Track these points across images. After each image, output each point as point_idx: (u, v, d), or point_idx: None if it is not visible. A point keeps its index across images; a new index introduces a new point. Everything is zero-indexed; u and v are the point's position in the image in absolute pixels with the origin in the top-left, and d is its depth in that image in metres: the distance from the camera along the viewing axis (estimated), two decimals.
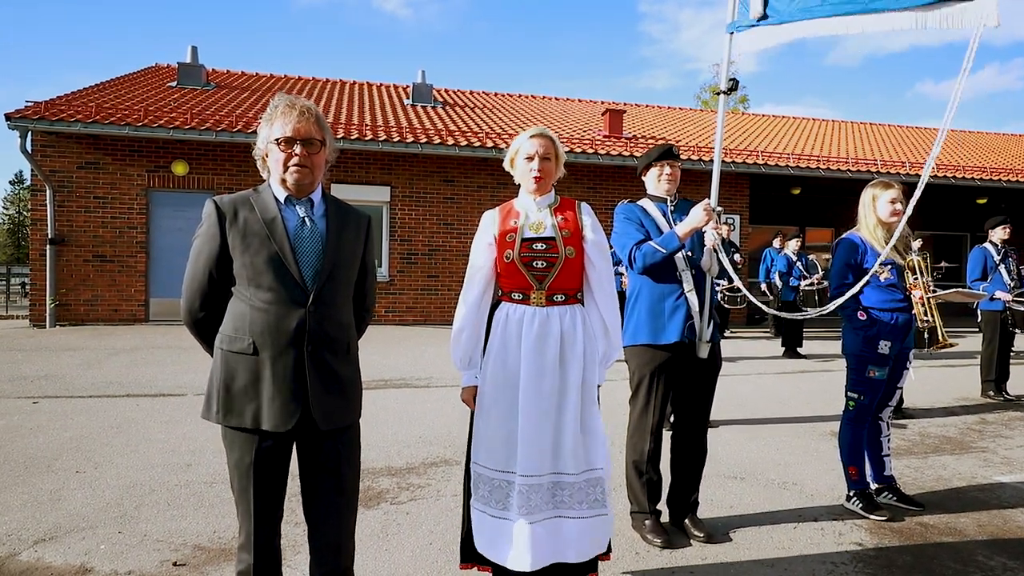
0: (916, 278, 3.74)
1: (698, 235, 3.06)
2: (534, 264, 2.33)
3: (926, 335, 3.86)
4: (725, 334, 10.87)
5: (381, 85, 16.95)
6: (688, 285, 3.02)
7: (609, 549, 2.44)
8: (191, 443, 4.33)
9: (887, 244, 3.17)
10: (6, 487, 3.49)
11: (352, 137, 11.04)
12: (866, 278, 3.14)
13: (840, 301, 3.22)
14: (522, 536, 2.21)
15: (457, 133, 12.35)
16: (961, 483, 3.90)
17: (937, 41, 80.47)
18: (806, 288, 9.04)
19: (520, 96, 18.62)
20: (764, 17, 3.01)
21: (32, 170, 10.44)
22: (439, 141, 11.60)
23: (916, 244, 4.15)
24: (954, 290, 4.48)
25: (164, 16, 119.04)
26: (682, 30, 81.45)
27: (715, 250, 3.05)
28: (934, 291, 3.93)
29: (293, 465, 2.01)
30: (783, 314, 3.77)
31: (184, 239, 10.51)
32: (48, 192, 10.34)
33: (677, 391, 3.12)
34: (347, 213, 2.08)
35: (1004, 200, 16.08)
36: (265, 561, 1.96)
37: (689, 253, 3.04)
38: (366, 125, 11.71)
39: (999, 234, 6.46)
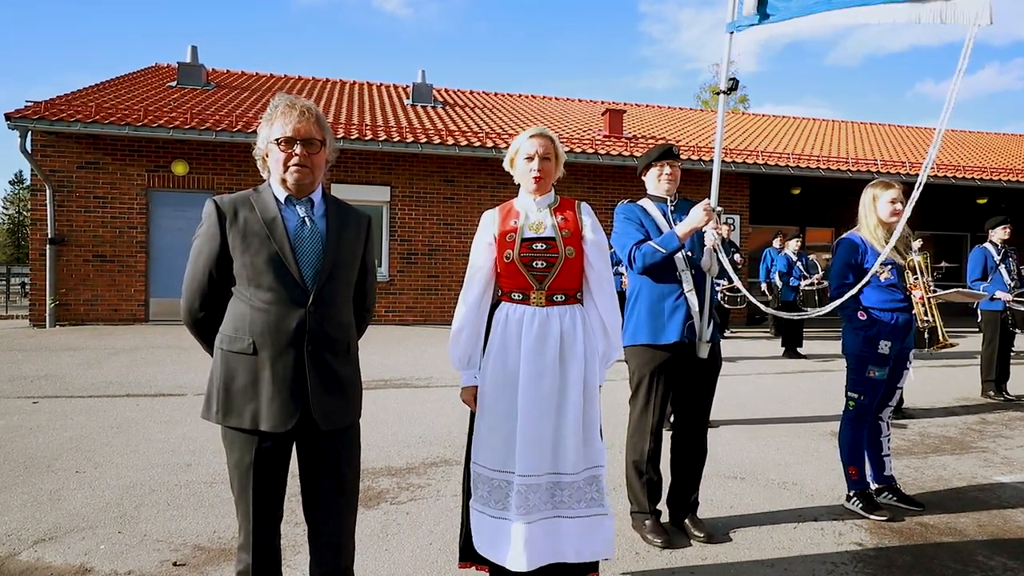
0: (916, 278, 3.74)
1: (698, 235, 3.06)
2: (534, 264, 2.33)
3: (926, 335, 3.86)
4: (725, 334, 10.87)
5: (381, 85, 16.95)
6: (688, 285, 3.02)
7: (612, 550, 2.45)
8: (191, 443, 4.33)
9: (887, 244, 3.17)
10: (6, 487, 3.49)
11: (352, 137, 11.04)
12: (866, 278, 3.14)
13: (839, 301, 3.22)
14: (519, 536, 2.21)
15: (457, 133, 12.35)
16: (961, 483, 3.90)
17: (937, 41, 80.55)
18: (806, 288, 9.05)
19: (520, 96, 18.62)
20: (765, 17, 3.01)
21: (32, 170, 10.44)
22: (439, 141, 11.60)
23: (916, 244, 4.14)
24: (954, 290, 4.48)
25: (164, 16, 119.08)
26: (682, 30, 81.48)
27: (715, 250, 3.04)
28: (934, 291, 3.93)
29: (293, 465, 2.01)
30: (782, 314, 3.77)
31: (184, 239, 10.51)
32: (48, 192, 10.34)
33: (677, 391, 3.12)
34: (347, 213, 2.08)
35: (1004, 200, 16.07)
36: (265, 561, 1.96)
37: (689, 253, 3.04)
38: (366, 125, 11.71)
39: (999, 234, 6.46)
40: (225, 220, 1.91)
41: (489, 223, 2.43)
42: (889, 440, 3.57)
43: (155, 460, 3.99)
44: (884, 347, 3.32)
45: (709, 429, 3.24)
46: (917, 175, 3.02)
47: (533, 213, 2.40)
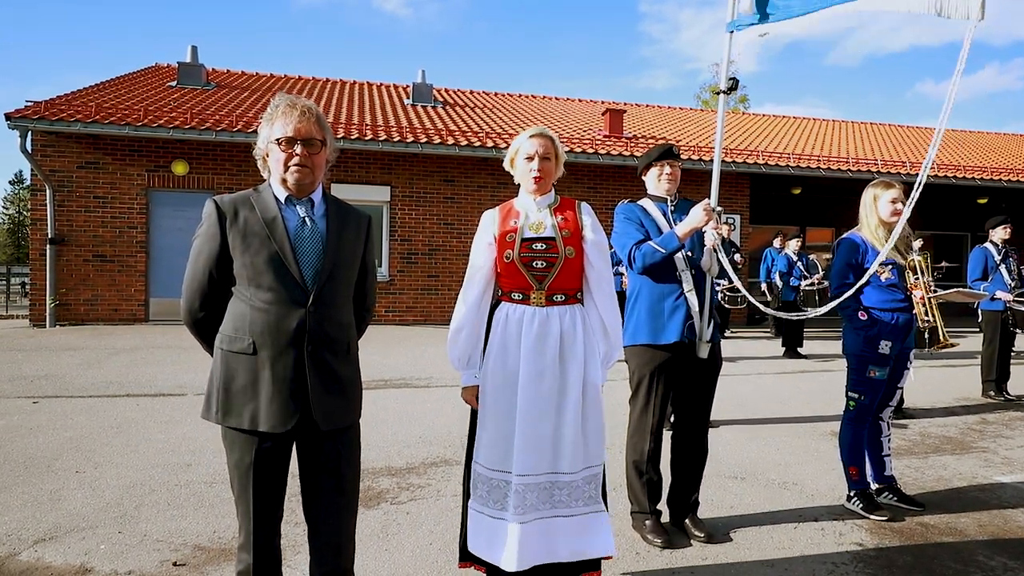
0: (917, 278, 3.74)
1: (698, 235, 3.06)
2: (534, 264, 2.33)
3: (927, 335, 3.86)
4: (725, 334, 10.87)
5: (381, 85, 16.95)
6: (688, 285, 3.01)
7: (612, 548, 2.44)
8: (191, 443, 4.33)
9: (887, 244, 3.17)
10: (6, 487, 3.49)
11: (352, 137, 11.04)
12: (865, 277, 3.14)
13: (838, 301, 3.22)
14: (514, 536, 2.21)
15: (457, 133, 12.35)
16: (962, 483, 3.89)
17: (937, 41, 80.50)
18: (806, 288, 9.05)
19: (520, 96, 18.61)
20: (765, 16, 3.00)
21: (32, 170, 10.44)
22: (439, 141, 11.60)
23: (917, 244, 4.14)
24: (955, 290, 4.48)
25: (164, 16, 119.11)
26: (682, 30, 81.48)
27: (715, 250, 3.04)
28: (935, 291, 3.93)
29: (293, 465, 2.01)
30: (781, 314, 3.77)
31: (184, 239, 10.51)
32: (48, 192, 10.34)
33: (677, 391, 3.11)
34: (347, 213, 2.08)
35: (1005, 200, 16.07)
36: (265, 561, 1.96)
37: (689, 253, 3.04)
38: (366, 125, 11.71)
39: (1000, 234, 6.45)
40: (225, 220, 1.91)
41: (489, 223, 2.43)
42: (889, 440, 3.57)
43: (155, 460, 3.99)
44: (885, 347, 3.32)
45: (709, 429, 3.24)
46: (917, 175, 3.01)
47: (533, 213, 2.40)
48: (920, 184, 2.77)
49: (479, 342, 2.39)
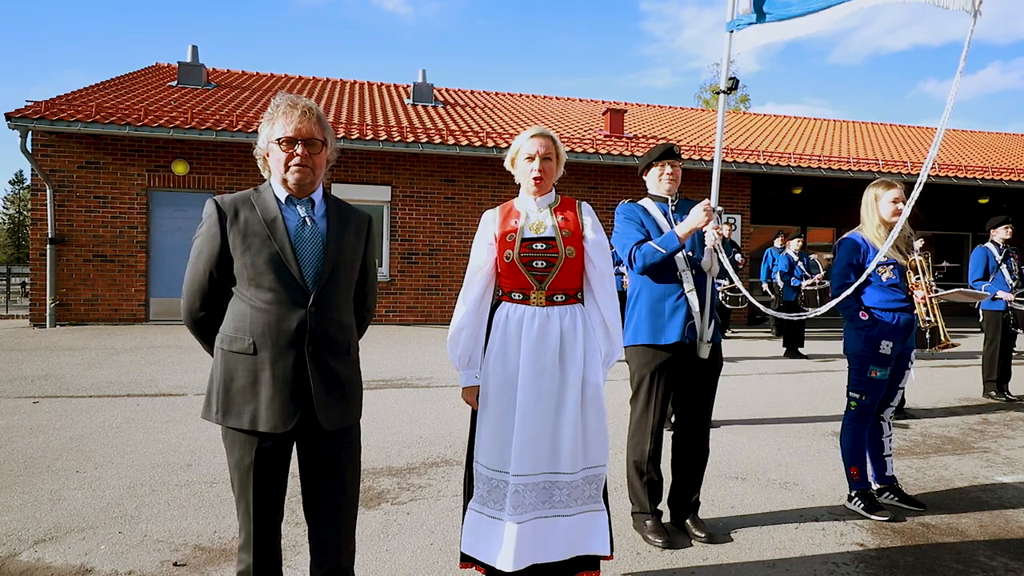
0: (918, 278, 3.73)
1: (699, 235, 3.05)
2: (534, 264, 2.32)
3: (928, 335, 3.85)
4: (726, 334, 10.87)
5: (382, 84, 16.95)
6: (688, 285, 3.01)
7: (611, 549, 2.44)
8: (191, 443, 4.33)
9: (887, 243, 3.16)
10: (6, 487, 3.48)
11: (353, 137, 11.04)
12: (863, 276, 3.14)
13: (837, 301, 3.22)
14: (510, 536, 2.21)
15: (458, 133, 12.34)
16: (963, 483, 3.89)
17: (939, 40, 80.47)
18: (807, 288, 9.04)
19: (521, 95, 18.61)
20: (762, 15, 3.00)
21: (32, 170, 10.44)
22: (440, 141, 11.59)
23: (918, 244, 4.14)
24: (956, 290, 4.46)
25: (164, 16, 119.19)
26: (683, 29, 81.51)
27: (715, 250, 3.04)
28: (936, 291, 3.92)
29: (293, 465, 2.00)
30: (781, 314, 3.76)
31: (184, 239, 10.52)
32: (48, 192, 10.34)
33: (678, 391, 3.11)
34: (348, 213, 2.07)
35: (1006, 200, 16.06)
36: (265, 561, 1.96)
37: (690, 253, 3.03)
38: (367, 125, 11.71)
39: (1001, 234, 6.45)
40: (226, 220, 1.91)
41: (489, 223, 2.43)
42: (891, 440, 3.56)
43: (155, 460, 3.99)
44: (886, 347, 3.31)
45: (710, 429, 3.23)
46: (919, 175, 3.01)
47: (533, 213, 2.40)
48: (920, 184, 2.76)
49: (479, 342, 2.39)
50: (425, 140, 11.48)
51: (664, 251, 2.91)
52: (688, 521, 3.07)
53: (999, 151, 17.87)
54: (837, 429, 4.90)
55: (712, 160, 10.15)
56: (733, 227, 11.53)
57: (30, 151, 10.20)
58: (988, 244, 6.49)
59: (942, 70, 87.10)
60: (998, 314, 6.45)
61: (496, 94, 18.15)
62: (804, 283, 9.12)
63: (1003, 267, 6.35)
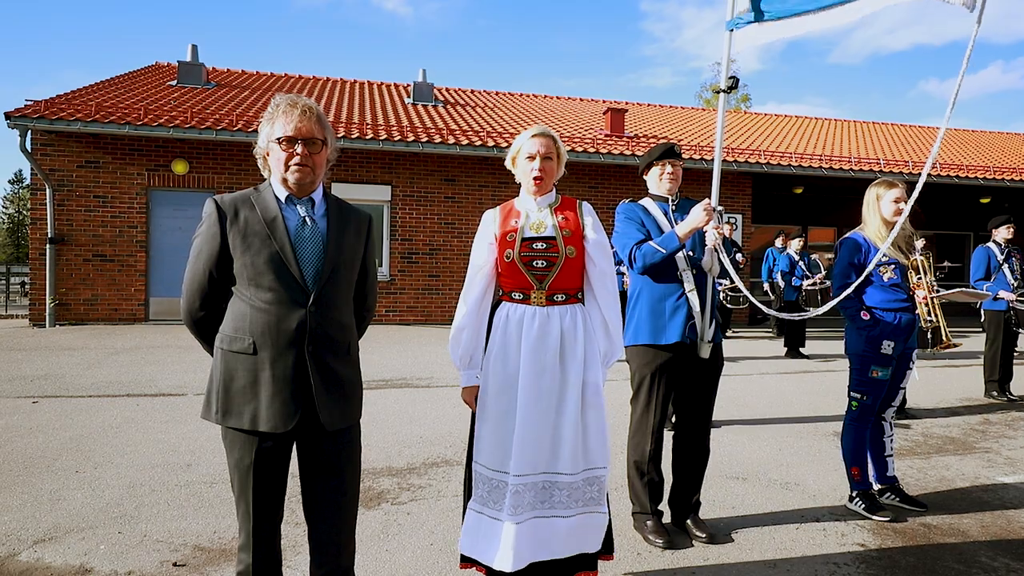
0: (920, 278, 3.72)
1: (699, 235, 3.05)
2: (534, 264, 2.32)
3: (930, 335, 3.84)
4: (727, 334, 10.86)
5: (382, 84, 16.94)
6: (689, 285, 3.00)
7: (611, 549, 2.44)
8: (191, 443, 4.32)
9: (890, 244, 3.16)
10: (5, 487, 3.48)
11: (353, 136, 11.03)
12: (863, 276, 3.14)
13: (837, 300, 3.21)
14: (509, 536, 2.21)
15: (458, 132, 12.33)
16: (964, 484, 3.88)
17: (939, 40, 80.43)
18: (809, 288, 9.03)
19: (521, 95, 18.60)
20: (760, 14, 2.99)
21: (32, 169, 10.43)
22: (440, 140, 11.58)
23: (919, 244, 4.13)
24: (958, 290, 4.45)
25: (164, 15, 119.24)
26: (684, 28, 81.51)
27: (716, 250, 3.03)
28: (938, 291, 3.91)
29: (293, 465, 2.00)
30: (781, 314, 3.76)
31: (184, 238, 10.51)
32: (48, 191, 10.34)
33: (679, 391, 3.10)
34: (348, 213, 2.07)
35: (1008, 199, 16.04)
36: (265, 561, 1.95)
37: (690, 253, 3.02)
38: (367, 124, 11.70)
39: (1003, 234, 6.44)
40: (225, 220, 1.90)
41: (490, 222, 2.42)
42: (892, 440, 3.56)
43: (155, 460, 3.98)
44: (887, 347, 3.30)
45: (711, 429, 3.23)
46: (920, 174, 3.00)
47: (534, 213, 2.39)
48: (921, 184, 2.76)
49: (480, 342, 2.39)
50: (425, 140, 11.47)
51: (664, 251, 2.90)
52: (689, 521, 3.07)
53: (1001, 150, 17.86)
54: (838, 429, 4.89)
55: (713, 160, 10.14)
56: (734, 227, 11.52)
57: (29, 150, 10.19)
58: (990, 244, 6.48)
59: (943, 70, 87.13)
60: (1000, 314, 6.44)
61: (496, 93, 18.14)
62: (805, 283, 9.12)
63: (1005, 267, 6.34)
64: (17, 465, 3.83)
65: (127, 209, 10.75)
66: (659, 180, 3.12)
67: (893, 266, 3.37)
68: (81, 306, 10.63)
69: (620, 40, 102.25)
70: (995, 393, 6.45)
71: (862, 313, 3.35)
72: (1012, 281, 6.32)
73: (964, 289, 4.77)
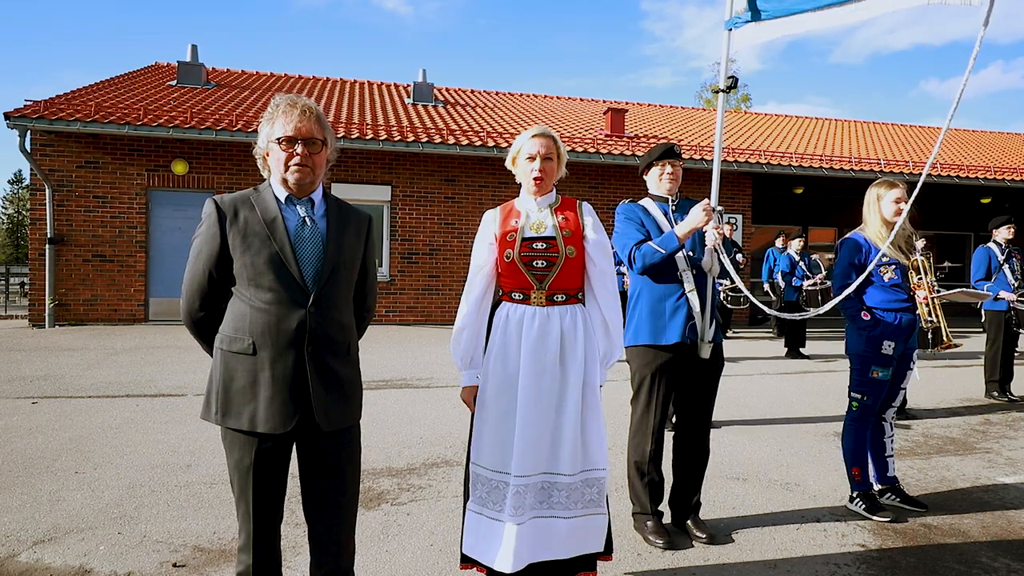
0: (920, 278, 3.72)
1: (699, 235, 3.04)
2: (534, 264, 2.32)
3: (930, 336, 3.84)
4: (727, 334, 10.85)
5: (382, 84, 16.94)
6: (689, 285, 3.00)
7: (611, 550, 2.43)
8: (191, 443, 4.32)
9: (891, 244, 3.16)
10: (6, 487, 3.47)
11: (353, 136, 11.03)
12: (863, 275, 3.13)
13: (837, 300, 3.20)
14: (510, 537, 2.20)
15: (458, 132, 12.33)
16: (965, 484, 3.88)
17: (940, 40, 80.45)
18: (809, 288, 9.03)
19: (521, 95, 18.60)
20: (757, 13, 2.99)
21: (31, 169, 10.42)
22: (440, 140, 11.58)
23: (920, 244, 4.13)
24: (958, 290, 4.45)
25: (164, 15, 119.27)
26: (684, 28, 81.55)
27: (716, 250, 3.03)
28: (938, 291, 3.91)
29: (293, 465, 1.99)
30: (781, 314, 3.75)
31: (184, 239, 10.50)
32: (47, 191, 10.33)
33: (679, 392, 3.10)
34: (348, 213, 2.07)
35: (1008, 200, 16.04)
36: (265, 562, 1.95)
37: (690, 253, 3.02)
38: (367, 124, 11.69)
39: (1003, 234, 6.43)
40: (225, 220, 1.90)
41: (490, 222, 2.42)
42: (893, 441, 3.55)
43: (155, 460, 3.98)
44: (887, 347, 3.30)
45: (711, 430, 3.22)
46: (920, 174, 3.00)
47: (534, 213, 2.39)
48: (920, 184, 2.75)
49: (480, 342, 2.39)
50: (425, 140, 11.47)
51: (664, 251, 2.90)
52: (689, 522, 3.06)
53: (1001, 151, 17.85)
54: (838, 430, 4.89)
55: (713, 160, 10.11)
56: (734, 227, 11.52)
57: (29, 151, 10.19)
58: (990, 244, 6.48)
59: (944, 70, 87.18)
60: (1000, 314, 6.44)
61: (497, 94, 18.14)
62: (805, 283, 9.11)
63: (1005, 267, 6.34)
64: (17, 466, 3.83)
65: (127, 209, 10.75)
66: (659, 180, 3.12)
67: (894, 266, 3.37)
68: (81, 306, 10.63)
69: (620, 40, 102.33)
70: (996, 393, 6.44)
71: (863, 313, 3.35)
72: (1013, 281, 6.32)
73: (965, 289, 4.77)
